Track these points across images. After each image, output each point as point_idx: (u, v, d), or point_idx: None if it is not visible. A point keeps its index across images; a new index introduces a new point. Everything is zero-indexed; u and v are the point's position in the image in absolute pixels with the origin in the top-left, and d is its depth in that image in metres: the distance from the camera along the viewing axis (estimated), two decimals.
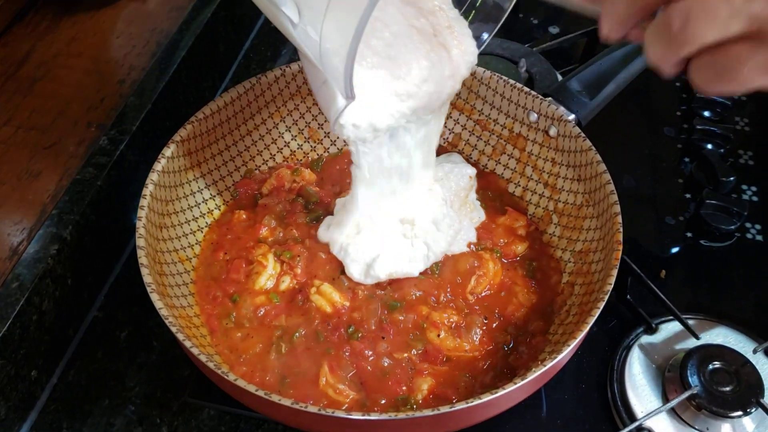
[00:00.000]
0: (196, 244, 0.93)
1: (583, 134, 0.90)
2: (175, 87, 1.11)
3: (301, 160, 1.05)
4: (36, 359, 0.88)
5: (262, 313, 0.86)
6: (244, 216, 0.96)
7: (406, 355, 0.82)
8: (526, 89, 0.95)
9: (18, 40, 1.16)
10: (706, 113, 1.20)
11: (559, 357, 0.70)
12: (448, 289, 0.88)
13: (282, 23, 0.65)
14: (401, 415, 0.66)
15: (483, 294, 0.89)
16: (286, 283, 0.88)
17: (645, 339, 0.92)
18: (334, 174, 1.03)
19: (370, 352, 0.82)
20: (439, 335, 0.83)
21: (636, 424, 0.83)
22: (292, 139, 1.04)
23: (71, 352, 0.94)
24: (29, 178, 0.97)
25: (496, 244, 0.93)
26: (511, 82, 0.96)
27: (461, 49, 0.76)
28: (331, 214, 0.94)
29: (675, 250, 1.05)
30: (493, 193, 1.00)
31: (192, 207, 0.93)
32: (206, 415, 0.88)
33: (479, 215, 0.96)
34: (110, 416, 0.88)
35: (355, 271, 0.87)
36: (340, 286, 0.86)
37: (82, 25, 1.18)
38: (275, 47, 1.36)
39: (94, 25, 1.18)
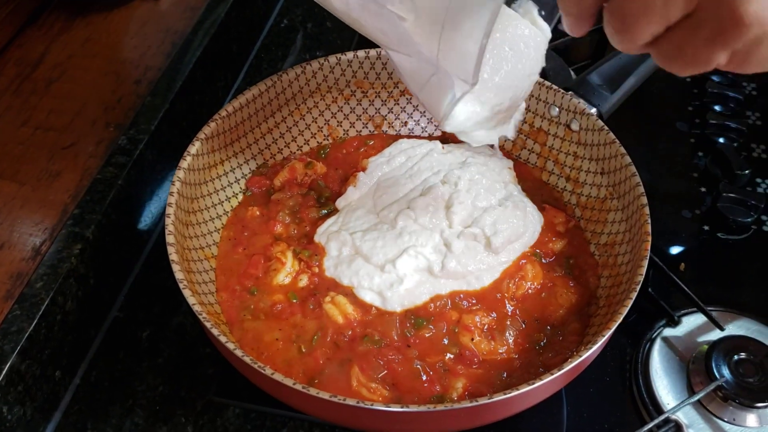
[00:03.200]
0: (221, 241, 0.93)
1: (606, 127, 0.90)
2: (191, 87, 1.11)
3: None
4: (60, 359, 0.87)
5: (279, 309, 0.85)
6: (258, 212, 0.95)
7: (439, 357, 0.80)
8: (548, 83, 0.95)
9: (32, 42, 1.15)
10: (718, 108, 1.21)
11: (595, 347, 0.71)
12: (483, 298, 0.86)
13: (384, 26, 0.66)
14: (440, 407, 0.66)
15: (521, 294, 0.87)
16: (304, 281, 0.88)
17: (668, 332, 0.93)
18: (339, 158, 1.03)
19: (400, 357, 0.80)
20: (472, 339, 0.81)
21: (663, 416, 0.83)
22: (311, 137, 1.04)
23: (93, 353, 0.94)
24: (49, 179, 0.97)
25: (536, 245, 0.91)
26: None
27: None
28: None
29: (693, 243, 1.05)
30: (525, 184, 0.99)
31: (216, 204, 0.93)
32: (231, 414, 0.87)
33: (538, 216, 0.94)
34: (134, 416, 0.88)
35: (367, 297, 0.85)
36: (356, 300, 0.85)
37: (95, 26, 1.18)
38: (285, 47, 1.36)
39: (107, 26, 1.18)
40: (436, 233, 0.88)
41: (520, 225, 0.89)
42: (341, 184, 0.99)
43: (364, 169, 0.99)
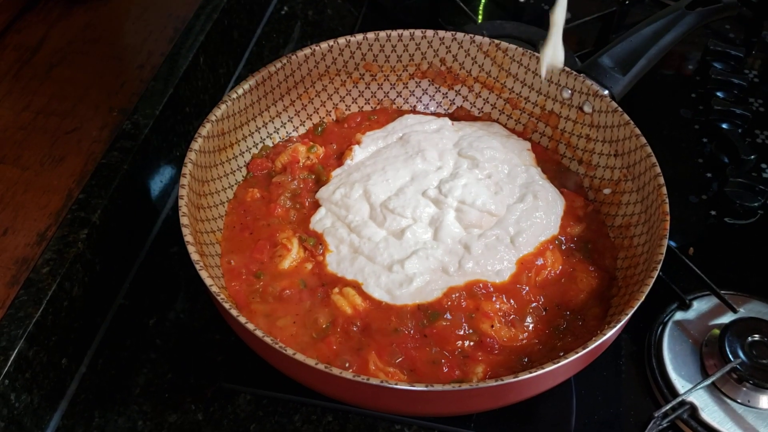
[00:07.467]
0: (225, 224, 0.91)
1: (620, 108, 0.90)
2: (194, 72, 1.10)
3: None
4: (67, 346, 0.86)
5: (288, 294, 0.83)
6: (258, 194, 0.93)
7: (457, 345, 0.78)
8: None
9: (30, 27, 1.13)
10: (721, 94, 1.21)
11: (618, 326, 0.70)
12: (502, 287, 0.83)
13: None
14: (465, 386, 0.65)
15: (541, 280, 0.84)
16: (309, 268, 0.86)
17: (679, 315, 0.92)
18: (334, 134, 1.01)
19: (417, 345, 0.78)
20: (492, 326, 0.79)
21: (678, 399, 0.83)
22: (320, 121, 1.02)
23: (99, 341, 0.92)
24: (52, 164, 0.95)
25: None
26: None
27: None
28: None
29: (700, 228, 1.05)
30: (542, 167, 0.97)
31: (225, 189, 0.92)
32: (242, 400, 0.86)
33: (560, 202, 0.92)
34: (142, 404, 0.86)
35: (375, 294, 0.82)
36: (364, 292, 0.82)
37: (95, 11, 1.16)
38: (287, 34, 1.35)
39: (108, 12, 1.17)
40: (448, 239, 0.85)
41: (544, 218, 0.87)
42: (334, 156, 0.97)
43: (359, 143, 0.96)
